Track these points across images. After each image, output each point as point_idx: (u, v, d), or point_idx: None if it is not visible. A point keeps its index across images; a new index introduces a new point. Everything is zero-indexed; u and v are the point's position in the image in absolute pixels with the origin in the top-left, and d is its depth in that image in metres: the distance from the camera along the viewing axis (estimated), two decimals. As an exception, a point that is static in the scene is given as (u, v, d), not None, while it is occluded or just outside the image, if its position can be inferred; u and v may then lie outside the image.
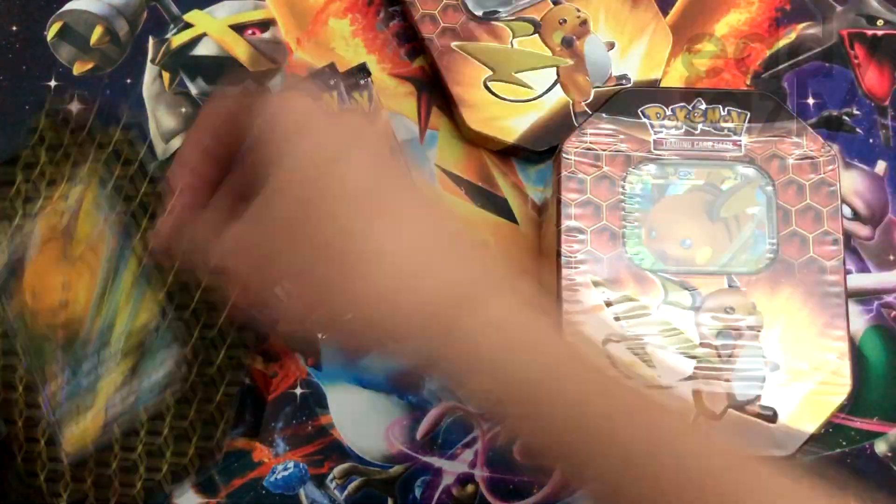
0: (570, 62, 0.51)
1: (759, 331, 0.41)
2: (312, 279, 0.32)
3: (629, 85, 0.50)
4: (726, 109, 0.44)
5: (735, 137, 0.43)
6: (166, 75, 0.54)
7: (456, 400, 0.49)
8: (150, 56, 0.54)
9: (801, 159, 0.43)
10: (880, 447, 0.48)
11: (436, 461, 0.48)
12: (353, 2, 0.55)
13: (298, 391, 0.49)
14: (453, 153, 0.52)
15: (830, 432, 0.48)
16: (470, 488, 0.48)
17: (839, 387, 0.40)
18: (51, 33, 0.54)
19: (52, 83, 0.53)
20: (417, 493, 0.48)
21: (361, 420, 0.49)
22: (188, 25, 0.54)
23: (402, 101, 0.53)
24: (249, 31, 0.54)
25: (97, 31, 0.54)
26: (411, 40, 0.54)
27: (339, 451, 0.48)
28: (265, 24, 0.55)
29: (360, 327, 0.32)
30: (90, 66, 0.54)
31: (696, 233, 0.43)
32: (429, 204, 0.34)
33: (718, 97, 0.44)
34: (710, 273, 0.42)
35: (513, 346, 0.31)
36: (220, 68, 0.54)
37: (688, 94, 0.44)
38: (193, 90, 0.53)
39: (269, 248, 0.32)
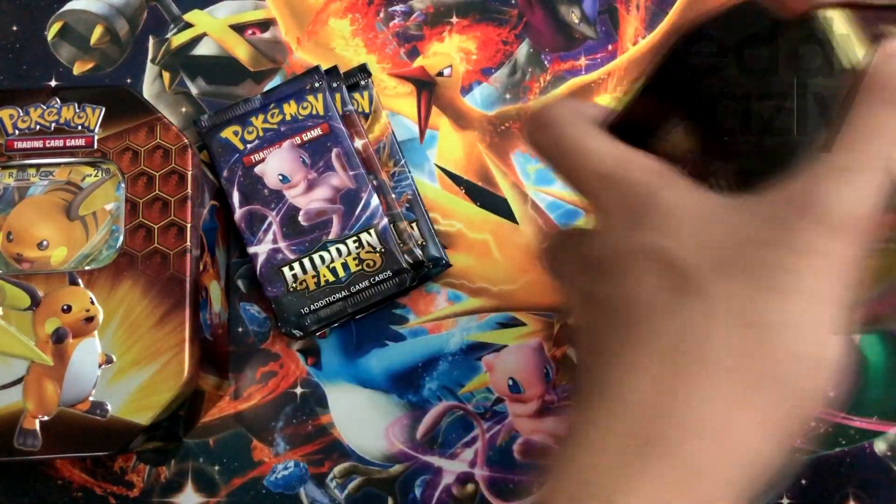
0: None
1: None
2: None
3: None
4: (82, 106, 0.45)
5: (89, 134, 0.45)
6: (166, 75, 0.54)
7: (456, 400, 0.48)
8: (150, 56, 0.54)
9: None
10: (879, 446, 0.48)
11: (436, 460, 0.48)
12: (353, 2, 0.55)
13: (298, 390, 0.49)
14: (453, 153, 0.53)
15: (830, 431, 0.48)
16: (470, 488, 0.48)
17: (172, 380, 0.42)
18: (51, 33, 0.54)
19: (53, 83, 0.53)
20: (417, 492, 0.48)
21: (361, 419, 0.49)
22: (188, 25, 0.54)
23: (402, 101, 0.53)
24: (249, 31, 0.54)
25: (97, 31, 0.54)
26: (411, 40, 0.54)
27: (339, 451, 0.48)
28: (265, 24, 0.55)
29: None
30: (90, 65, 0.54)
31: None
32: None
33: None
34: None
35: None
36: (220, 68, 0.54)
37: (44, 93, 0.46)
38: (193, 90, 0.53)
39: None
